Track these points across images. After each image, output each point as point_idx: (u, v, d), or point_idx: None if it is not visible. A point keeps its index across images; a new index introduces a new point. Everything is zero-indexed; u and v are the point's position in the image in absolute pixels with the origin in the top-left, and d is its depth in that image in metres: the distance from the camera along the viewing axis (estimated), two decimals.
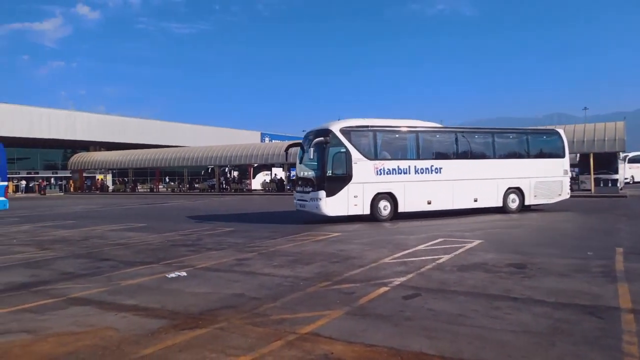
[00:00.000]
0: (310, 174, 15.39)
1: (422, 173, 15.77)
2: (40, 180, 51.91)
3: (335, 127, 14.96)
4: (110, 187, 53.80)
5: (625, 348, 4.20)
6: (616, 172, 29.88)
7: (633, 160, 43.03)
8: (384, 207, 15.28)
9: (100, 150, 55.53)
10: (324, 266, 8.11)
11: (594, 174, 29.33)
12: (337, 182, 14.72)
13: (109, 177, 57.25)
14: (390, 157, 15.69)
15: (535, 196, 17.50)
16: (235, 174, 49.72)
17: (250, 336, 4.64)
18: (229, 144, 46.13)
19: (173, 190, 49.79)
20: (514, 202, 17.21)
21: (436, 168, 16.00)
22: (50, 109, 50.56)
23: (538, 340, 4.42)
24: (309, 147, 14.99)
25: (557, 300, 5.75)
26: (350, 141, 14.88)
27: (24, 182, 51.16)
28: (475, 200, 16.56)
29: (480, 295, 6.07)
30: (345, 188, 14.72)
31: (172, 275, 7.61)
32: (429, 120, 17.80)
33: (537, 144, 18.37)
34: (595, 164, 29.18)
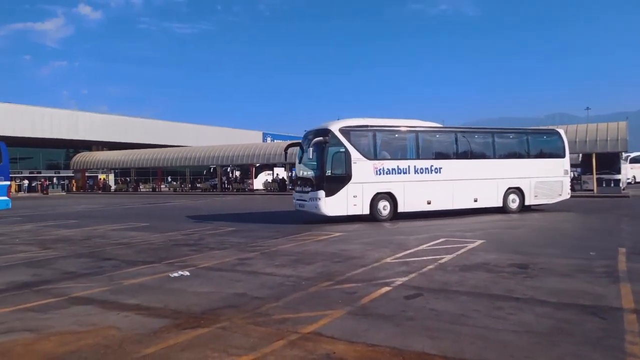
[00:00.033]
0: (309, 173, 15.37)
1: (421, 173, 15.73)
2: (43, 180, 52.02)
3: (335, 127, 14.93)
4: (113, 187, 53.86)
5: (627, 348, 4.19)
6: (618, 172, 29.82)
7: (635, 161, 42.92)
8: (384, 207, 15.25)
9: (102, 150, 55.64)
10: (326, 266, 8.11)
11: (597, 174, 29.27)
12: (336, 182, 14.69)
13: (111, 177, 57.33)
14: (389, 157, 15.66)
15: (535, 196, 17.46)
16: (237, 173, 49.77)
17: (253, 336, 4.65)
18: (231, 144, 46.17)
19: (175, 190, 49.84)
20: (514, 202, 17.18)
21: (436, 168, 15.96)
22: (53, 109, 50.70)
23: (540, 341, 4.41)
24: (308, 147, 14.96)
25: (560, 300, 5.74)
26: (349, 141, 14.85)
27: (26, 182, 51.29)
28: (475, 201, 16.53)
29: (482, 295, 6.06)
30: (345, 188, 14.69)
31: (175, 274, 7.61)
32: (430, 121, 17.79)
33: (538, 144, 18.34)
34: (598, 164, 29.12)
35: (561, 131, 18.96)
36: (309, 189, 15.09)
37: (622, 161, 31.56)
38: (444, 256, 8.73)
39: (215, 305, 5.77)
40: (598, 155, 29.01)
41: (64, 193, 51.53)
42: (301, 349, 4.27)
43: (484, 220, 15.19)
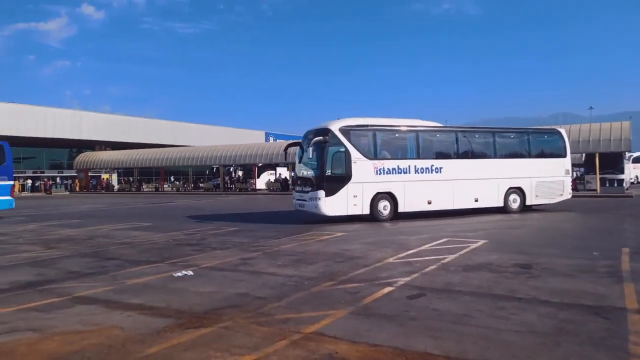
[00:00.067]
0: (309, 173, 15.32)
1: (422, 173, 15.69)
2: (46, 180, 52.19)
3: (335, 127, 14.90)
4: (116, 187, 54.03)
5: (631, 349, 4.18)
6: (622, 172, 29.75)
7: (638, 160, 42.79)
8: (384, 207, 15.21)
9: (105, 149, 55.78)
10: (328, 266, 8.11)
11: (600, 173, 29.18)
12: (336, 181, 14.66)
13: (114, 177, 57.50)
14: (390, 157, 15.63)
15: (536, 196, 17.41)
16: (240, 173, 49.84)
17: (255, 335, 4.65)
18: (234, 144, 46.23)
19: (178, 190, 49.93)
20: (515, 202, 17.13)
21: (436, 168, 15.92)
22: (56, 109, 50.84)
23: (543, 341, 4.41)
24: (308, 147, 14.92)
25: (563, 300, 5.73)
26: (349, 140, 14.82)
27: (30, 182, 51.45)
28: (476, 200, 16.48)
29: (485, 295, 6.05)
30: (345, 188, 14.66)
31: (179, 274, 7.63)
32: (432, 121, 17.77)
33: (538, 143, 18.28)
34: (601, 163, 29.03)
35: (562, 131, 18.88)
36: (309, 188, 15.05)
37: (625, 161, 31.48)
38: (446, 256, 8.72)
39: (217, 305, 5.78)
40: (601, 155, 28.93)
41: (67, 193, 51.68)
42: (303, 348, 4.27)
43: (486, 220, 15.17)
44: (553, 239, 11.52)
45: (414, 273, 7.33)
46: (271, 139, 71.86)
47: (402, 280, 6.84)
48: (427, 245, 10.06)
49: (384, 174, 15.18)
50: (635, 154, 42.79)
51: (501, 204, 16.95)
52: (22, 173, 50.08)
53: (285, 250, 10.06)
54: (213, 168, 50.04)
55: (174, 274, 7.62)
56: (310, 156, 15.08)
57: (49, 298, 6.30)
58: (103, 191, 51.38)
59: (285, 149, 18.80)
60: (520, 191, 17.21)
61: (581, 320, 5.00)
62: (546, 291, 6.15)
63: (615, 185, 28.96)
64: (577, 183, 32.76)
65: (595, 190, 29.03)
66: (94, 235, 13.22)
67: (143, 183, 55.22)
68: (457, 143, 16.63)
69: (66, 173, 56.09)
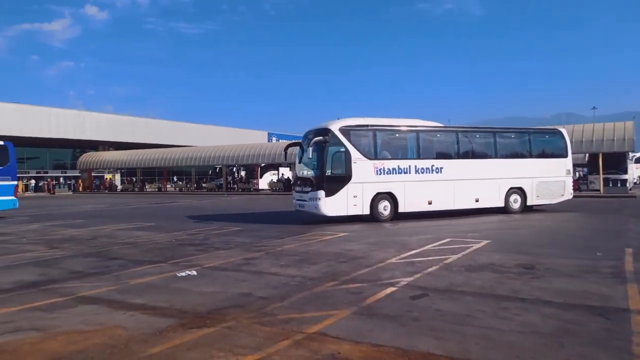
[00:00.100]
0: (309, 173, 15.30)
1: (422, 173, 15.65)
2: (50, 180, 52.33)
3: (335, 127, 14.87)
4: (119, 187, 54.13)
5: (635, 350, 4.17)
6: (625, 172, 29.67)
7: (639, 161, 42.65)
8: (384, 207, 15.17)
9: (108, 149, 55.91)
10: (331, 266, 8.12)
11: (603, 174, 29.11)
12: (336, 181, 14.63)
13: (118, 177, 57.63)
14: (390, 157, 15.59)
15: (537, 196, 17.35)
16: (243, 173, 49.89)
17: (258, 335, 4.66)
18: (237, 144, 46.27)
19: (181, 190, 50.01)
20: (516, 203, 17.07)
21: (437, 168, 15.88)
22: (59, 109, 50.96)
23: (546, 342, 4.40)
24: (308, 147, 14.88)
25: (566, 301, 5.71)
26: (349, 140, 14.79)
27: (33, 182, 51.60)
28: (477, 201, 16.43)
29: (488, 295, 6.04)
30: (345, 188, 14.62)
31: (183, 274, 7.65)
32: (435, 121, 17.72)
33: (540, 143, 18.21)
34: (604, 164, 28.96)
35: (563, 131, 18.79)
36: (309, 189, 15.02)
37: (628, 161, 31.40)
38: (449, 256, 8.71)
39: (220, 305, 5.79)
40: (604, 155, 28.86)
41: (71, 193, 51.82)
42: (306, 349, 4.27)
43: (487, 220, 15.14)
44: (556, 239, 11.49)
45: (416, 273, 7.32)
46: (274, 139, 71.89)
47: (405, 281, 6.84)
48: (429, 246, 10.05)
49: (384, 174, 15.14)
50: (639, 154, 42.64)
51: (502, 204, 16.90)
52: (25, 173, 50.21)
53: (288, 250, 10.06)
54: (216, 168, 50.11)
55: (178, 274, 7.63)
56: (310, 156, 15.05)
57: (53, 298, 6.33)
58: (106, 191, 51.49)
59: (285, 149, 18.78)
60: (521, 191, 17.15)
61: (584, 321, 4.98)
62: (549, 292, 6.14)
63: (619, 185, 28.88)
64: (580, 183, 32.70)
65: (599, 190, 28.95)
66: (97, 235, 13.26)
67: (146, 183, 55.32)
68: (457, 143, 16.58)
69: (69, 173, 56.22)
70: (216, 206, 25.87)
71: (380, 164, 15.11)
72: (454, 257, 8.70)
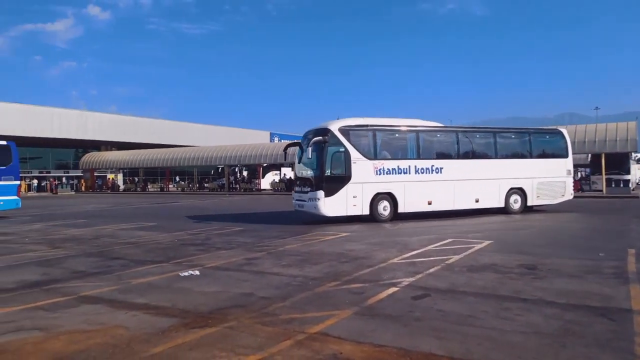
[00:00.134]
0: (308, 173, 15.28)
1: (422, 173, 15.61)
2: (52, 180, 52.44)
3: (334, 127, 14.84)
4: (121, 187, 54.22)
5: (637, 350, 4.16)
6: (628, 172, 29.61)
7: None
8: (384, 207, 15.13)
9: (111, 149, 56.01)
10: (333, 266, 8.12)
11: (606, 174, 29.04)
12: (335, 182, 14.59)
13: (120, 177, 57.71)
14: (390, 157, 15.56)
15: (537, 197, 17.29)
16: (245, 173, 49.92)
17: (260, 335, 4.66)
18: (239, 144, 46.31)
19: (183, 190, 50.09)
20: (516, 203, 17.02)
21: (437, 168, 15.84)
22: (62, 109, 51.05)
23: (548, 342, 4.39)
24: (308, 147, 14.84)
25: (568, 301, 5.70)
26: (349, 140, 14.76)
27: (36, 181, 51.71)
28: (477, 201, 16.38)
29: (490, 296, 6.03)
30: (344, 188, 14.59)
31: (185, 273, 7.66)
32: (437, 121, 17.69)
33: (540, 143, 18.16)
34: (607, 164, 28.89)
35: (564, 131, 18.72)
36: (308, 189, 14.99)
37: (631, 161, 31.33)
38: (450, 257, 8.70)
39: (222, 305, 5.79)
40: (607, 156, 28.79)
41: (73, 193, 51.92)
42: (308, 349, 4.27)
43: (487, 221, 15.11)
44: (558, 239, 11.47)
45: (418, 273, 7.32)
46: (276, 139, 71.91)
47: (407, 281, 6.83)
48: (431, 246, 10.04)
49: (383, 174, 15.11)
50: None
51: (502, 205, 16.86)
52: (28, 173, 50.34)
53: (290, 250, 10.07)
54: (218, 168, 50.15)
55: (180, 274, 7.64)
56: (310, 156, 14.99)
57: (55, 297, 6.34)
58: (109, 191, 51.59)
59: (285, 149, 18.72)
60: (521, 192, 17.10)
61: (587, 321, 4.97)
62: (552, 292, 6.13)
63: (621, 185, 28.81)
64: (582, 184, 32.62)
65: (601, 190, 28.89)
66: (99, 235, 13.28)
67: (148, 183, 55.43)
68: (457, 143, 16.53)
69: (72, 173, 56.33)
70: (218, 206, 25.90)
71: (380, 164, 15.08)
72: (456, 257, 8.69)
